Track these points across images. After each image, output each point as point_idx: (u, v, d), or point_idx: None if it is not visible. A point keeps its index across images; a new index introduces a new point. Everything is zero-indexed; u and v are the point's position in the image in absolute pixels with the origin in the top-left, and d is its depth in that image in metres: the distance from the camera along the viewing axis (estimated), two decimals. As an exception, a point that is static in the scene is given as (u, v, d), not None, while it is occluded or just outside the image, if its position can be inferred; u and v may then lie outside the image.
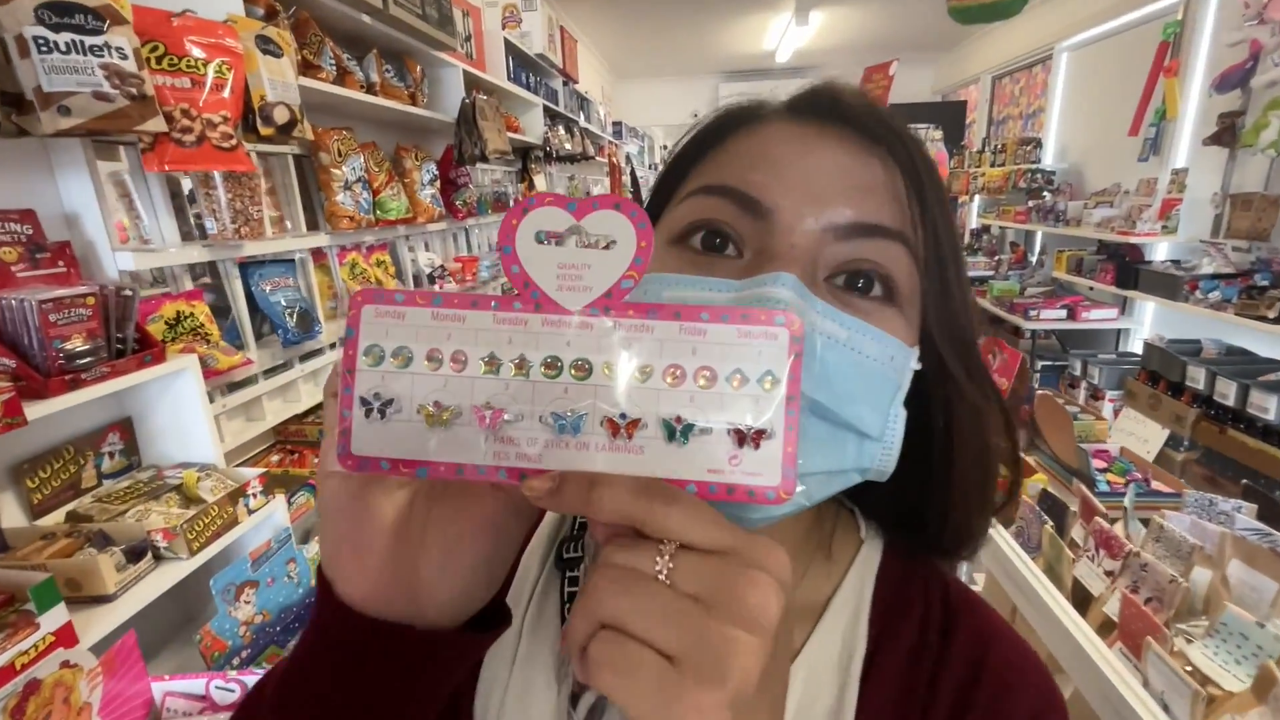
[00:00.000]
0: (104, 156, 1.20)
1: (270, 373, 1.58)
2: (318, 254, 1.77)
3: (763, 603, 0.21)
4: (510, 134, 2.96)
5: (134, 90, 0.97)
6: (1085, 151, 4.54)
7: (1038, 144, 4.86)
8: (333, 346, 1.81)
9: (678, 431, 0.24)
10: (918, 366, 0.34)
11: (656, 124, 8.92)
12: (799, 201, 0.32)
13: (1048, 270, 4.33)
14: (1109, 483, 1.56)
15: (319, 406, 1.79)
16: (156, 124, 1.01)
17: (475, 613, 0.29)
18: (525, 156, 3.59)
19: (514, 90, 3.09)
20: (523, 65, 3.42)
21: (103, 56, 0.93)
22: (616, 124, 6.61)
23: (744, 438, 0.24)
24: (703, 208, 0.34)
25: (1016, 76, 5.70)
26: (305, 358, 1.70)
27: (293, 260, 1.66)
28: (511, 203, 3.29)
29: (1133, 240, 3.32)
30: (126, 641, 0.96)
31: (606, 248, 0.25)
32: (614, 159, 6.45)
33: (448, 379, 0.24)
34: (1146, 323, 3.68)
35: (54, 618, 0.84)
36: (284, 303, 1.57)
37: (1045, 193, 4.53)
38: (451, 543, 0.27)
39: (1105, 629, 1.03)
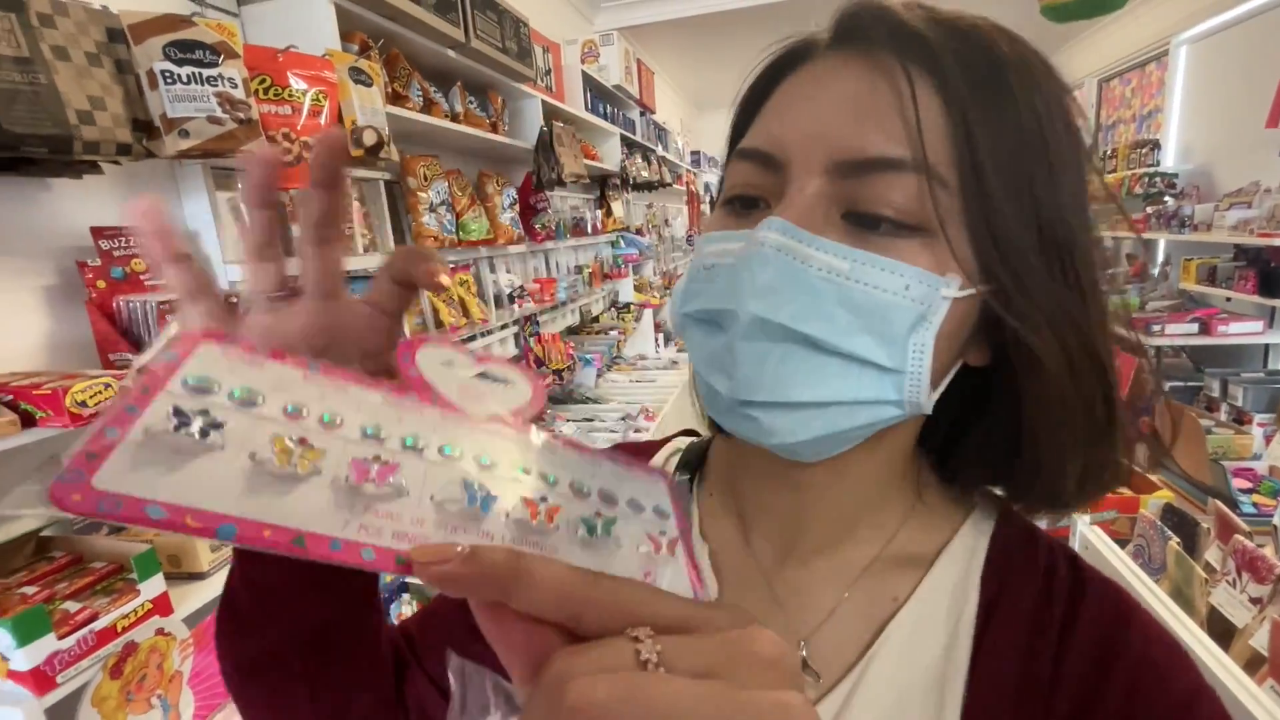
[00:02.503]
0: (222, 185, 1.34)
1: (359, 381, 1.68)
2: (405, 272, 1.89)
3: (780, 652, 0.19)
4: (588, 161, 3.07)
5: (242, 115, 1.08)
6: (1213, 150, 4.09)
7: (1155, 146, 4.45)
8: (416, 359, 1.90)
9: (598, 526, 0.22)
10: (956, 294, 0.30)
11: (736, 153, 8.95)
12: (806, 146, 0.32)
13: (1173, 282, 3.91)
14: (1255, 504, 1.35)
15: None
16: (259, 144, 1.12)
17: None
18: (604, 184, 3.70)
19: (591, 120, 3.21)
20: (600, 96, 3.56)
21: (216, 86, 1.05)
22: (695, 153, 6.70)
23: (660, 548, 0.23)
24: (737, 172, 0.35)
25: (1127, 77, 5.28)
26: (391, 369, 1.80)
27: (381, 277, 1.77)
28: (590, 229, 3.39)
29: (1278, 243, 2.93)
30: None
31: (508, 386, 0.25)
32: (692, 187, 6.53)
33: (312, 429, 0.19)
34: (1302, 336, 3.22)
35: (152, 586, 0.91)
36: (372, 315, 1.67)
37: (1167, 197, 4.11)
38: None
39: (1252, 666, 0.87)
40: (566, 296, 3.02)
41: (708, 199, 7.04)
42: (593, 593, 0.18)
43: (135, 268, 1.12)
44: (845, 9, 0.34)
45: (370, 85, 1.42)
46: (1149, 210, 4.09)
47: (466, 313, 2.10)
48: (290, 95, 1.23)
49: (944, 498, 0.39)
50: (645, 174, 4.15)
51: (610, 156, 3.57)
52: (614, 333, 3.63)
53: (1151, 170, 4.26)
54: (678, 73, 6.69)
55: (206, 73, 1.04)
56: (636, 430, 2.69)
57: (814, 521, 0.37)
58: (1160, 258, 4.45)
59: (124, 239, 1.12)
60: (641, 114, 4.28)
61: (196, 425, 0.18)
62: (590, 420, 2.86)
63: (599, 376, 3.32)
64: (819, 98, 0.32)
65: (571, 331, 3.55)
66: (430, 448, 0.21)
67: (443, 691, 0.41)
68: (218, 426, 0.18)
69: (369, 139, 1.39)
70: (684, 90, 7.57)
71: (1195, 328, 3.34)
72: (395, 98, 1.67)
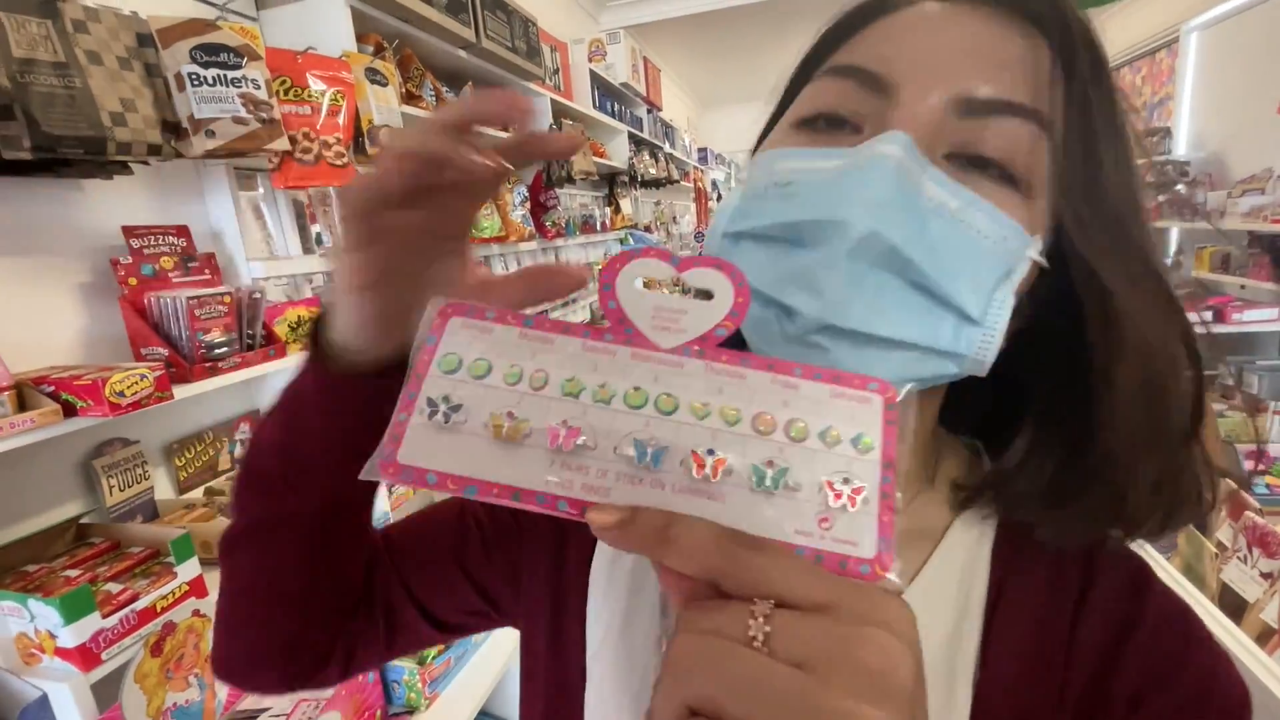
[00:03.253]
0: (244, 185, 1.38)
1: (377, 376, 1.72)
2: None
3: (888, 666, 0.18)
4: (596, 159, 3.09)
5: (264, 115, 1.11)
6: (1226, 137, 4.06)
7: (1166, 134, 4.41)
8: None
9: (768, 476, 0.21)
10: (1038, 258, 0.30)
11: (741, 150, 8.94)
12: (924, 75, 0.29)
13: (1187, 270, 3.87)
14: (1268, 485, 1.36)
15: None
16: (281, 143, 1.15)
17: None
18: (612, 181, 3.73)
19: (599, 118, 3.23)
20: (607, 94, 3.58)
21: (241, 87, 1.08)
22: (702, 150, 6.71)
23: (840, 497, 0.21)
24: (827, 90, 0.32)
25: (1137, 65, 5.23)
26: (407, 364, 1.84)
27: (397, 274, 1.81)
28: (599, 226, 3.42)
29: (1292, 229, 2.91)
30: (248, 602, 1.06)
31: (704, 299, 0.24)
32: (700, 184, 6.54)
33: (524, 395, 0.23)
34: (1318, 323, 3.19)
35: (188, 569, 0.95)
36: (389, 311, 1.71)
37: (1179, 185, 4.08)
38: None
39: (1264, 638, 0.89)
40: (577, 294, 3.05)
41: (715, 195, 7.05)
42: (728, 563, 0.19)
43: (163, 265, 1.16)
44: None
45: (386, 85, 1.45)
46: (1161, 199, 4.06)
47: (480, 309, 2.14)
48: (309, 96, 1.26)
49: (961, 475, 0.37)
50: (653, 171, 4.17)
51: (618, 154, 3.59)
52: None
53: (1164, 158, 4.22)
54: (684, 70, 6.70)
55: (231, 75, 1.07)
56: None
57: None
58: (1173, 246, 4.42)
59: (153, 237, 1.16)
60: (649, 111, 4.30)
61: (442, 410, 0.22)
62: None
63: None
64: (942, 33, 0.30)
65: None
66: (617, 397, 0.23)
67: (411, 596, 0.43)
68: (457, 409, 0.23)
69: (385, 138, 1.42)
70: (691, 88, 7.58)
71: (1210, 315, 3.31)
72: (409, 98, 1.71)
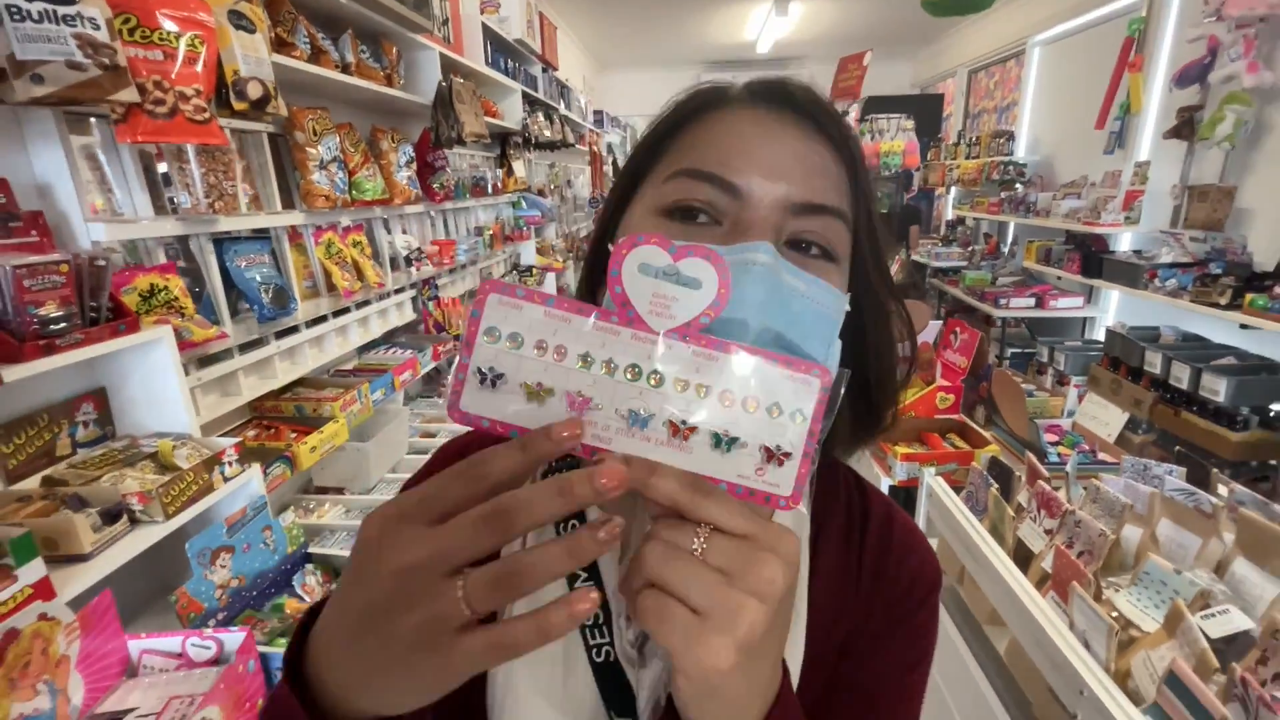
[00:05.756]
0: (75, 130, 1.20)
1: (246, 348, 1.59)
2: (294, 233, 1.79)
3: (771, 578, 0.28)
4: (489, 119, 2.97)
5: (106, 60, 0.98)
6: (1055, 144, 4.65)
7: (1010, 137, 4.96)
8: (308, 324, 1.82)
9: (723, 442, 0.30)
10: (848, 309, 0.40)
11: (638, 114, 8.92)
12: (766, 183, 0.40)
13: (1018, 260, 4.44)
14: (1059, 455, 1.64)
15: (297, 383, 1.81)
16: (129, 94, 1.03)
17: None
18: (504, 142, 3.60)
19: (492, 75, 3.10)
20: (501, 50, 3.43)
21: (75, 26, 0.95)
22: (598, 113, 6.61)
23: (772, 456, 0.30)
24: (688, 189, 0.41)
25: (991, 70, 5.80)
26: (281, 335, 1.71)
27: (268, 237, 1.67)
28: (490, 188, 3.31)
29: (1098, 231, 3.42)
30: (103, 599, 0.98)
31: (696, 286, 0.31)
32: (595, 148, 6.46)
33: (549, 365, 0.30)
34: (1111, 311, 3.80)
35: (31, 571, 0.87)
36: (259, 279, 1.58)
37: (1017, 184, 4.63)
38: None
39: (1042, 583, 1.10)
40: (467, 259, 2.96)
41: (610, 159, 7.00)
42: (687, 501, 0.28)
43: (-22, 225, 1.01)
44: (773, 77, 0.44)
45: (254, 32, 1.31)
46: (1003, 195, 4.59)
47: (361, 275, 2.03)
48: (161, 39, 1.12)
49: None
50: (548, 133, 4.07)
51: (511, 114, 3.47)
52: (517, 296, 3.60)
53: (1006, 159, 4.76)
54: (582, 30, 6.51)
55: (62, 10, 0.93)
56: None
57: None
58: (1010, 239, 5.03)
59: (-38, 192, 1.00)
60: (544, 71, 4.16)
61: (489, 378, 0.29)
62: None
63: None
64: (775, 143, 0.41)
65: (472, 295, 3.48)
66: (619, 371, 0.30)
67: None
68: (500, 377, 0.30)
69: (254, 91, 1.30)
70: (587, 48, 7.38)
71: (1033, 302, 3.85)
72: (280, 44, 1.55)
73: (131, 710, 0.96)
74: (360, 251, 2.06)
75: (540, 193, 4.45)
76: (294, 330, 1.78)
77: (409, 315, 2.50)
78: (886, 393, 0.48)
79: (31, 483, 1.12)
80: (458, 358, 0.30)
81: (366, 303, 2.16)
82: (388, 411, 2.14)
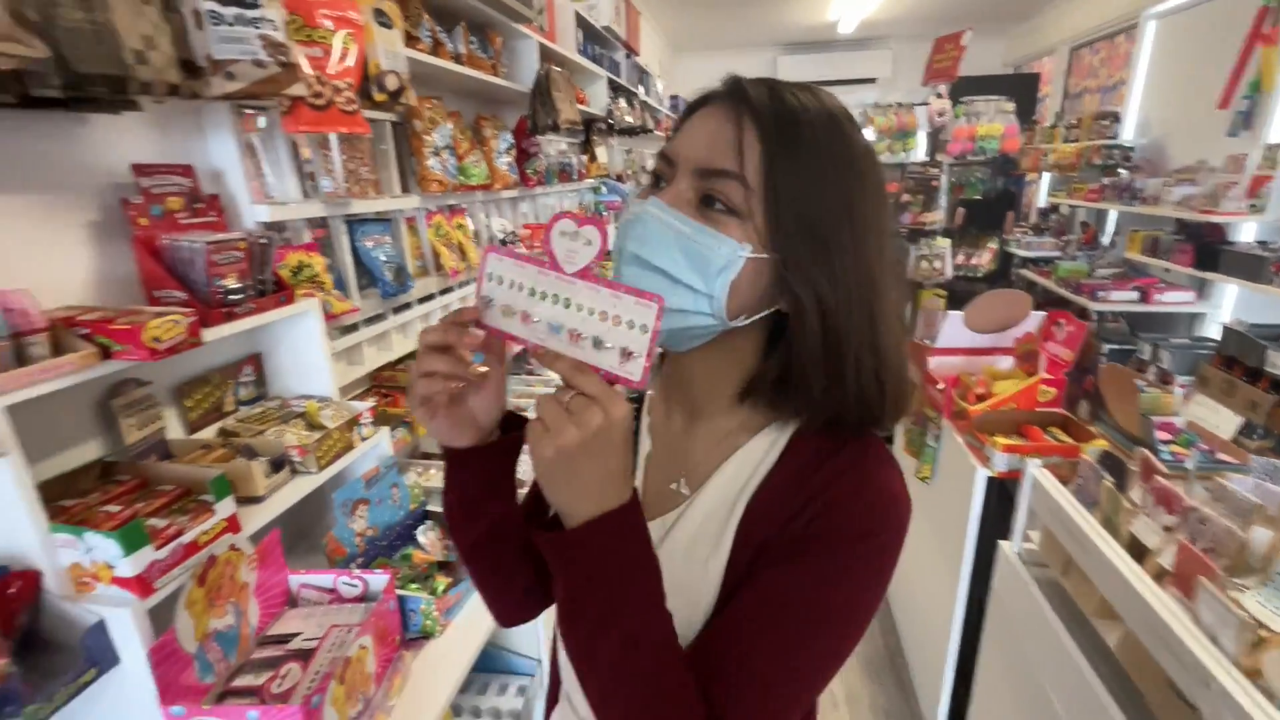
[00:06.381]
0: (246, 124, 1.34)
1: (369, 322, 1.73)
2: (407, 216, 1.91)
3: (591, 418, 0.44)
4: (579, 106, 3.05)
5: (283, 58, 1.10)
6: (1169, 127, 4.32)
7: (1116, 118, 4.64)
8: (420, 301, 1.96)
9: (599, 343, 0.47)
10: (749, 254, 0.51)
11: (712, 98, 8.80)
12: (685, 156, 0.53)
13: (1119, 251, 4.18)
14: (1173, 454, 1.57)
15: (410, 355, 1.95)
16: (299, 89, 1.14)
17: (501, 429, 0.60)
18: (588, 129, 3.68)
19: (582, 63, 3.17)
20: (590, 38, 3.49)
21: (259, 28, 1.06)
22: (674, 98, 6.60)
23: (627, 354, 0.46)
24: (658, 163, 0.56)
25: (1097, 47, 5.42)
26: (397, 310, 1.85)
27: (390, 220, 1.80)
28: (575, 174, 3.40)
29: (1215, 219, 3.18)
30: (272, 537, 1.12)
31: (589, 244, 0.48)
32: (669, 133, 6.46)
33: (515, 293, 0.51)
34: (1227, 306, 3.53)
35: (225, 507, 1.00)
36: (383, 258, 1.71)
37: (1121, 170, 4.34)
38: (481, 408, 0.57)
39: (1158, 578, 1.08)
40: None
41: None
42: (571, 375, 0.46)
43: (170, 206, 1.15)
44: (726, 79, 0.55)
45: (391, 27, 1.42)
46: (1105, 181, 4.31)
47: (464, 256, 2.15)
48: (320, 36, 1.24)
49: (771, 403, 0.57)
50: (629, 119, 4.12)
51: (597, 100, 3.54)
52: (596, 280, 3.69)
53: (1111, 143, 4.46)
54: (660, 12, 6.50)
55: (250, 14, 1.05)
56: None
57: (694, 398, 0.62)
58: (1111, 228, 4.73)
59: (161, 176, 1.14)
60: (627, 56, 4.21)
61: (487, 302, 0.52)
62: (575, 365, 2.96)
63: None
64: (699, 129, 0.53)
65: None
66: (548, 298, 0.49)
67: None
68: (490, 302, 0.52)
69: (391, 84, 1.41)
70: (664, 32, 7.36)
71: (1136, 296, 3.63)
72: (407, 39, 1.66)
73: (297, 634, 1.09)
74: (464, 233, 2.18)
75: (619, 178, 4.52)
76: (407, 306, 1.92)
77: (501, 295, 2.62)
78: (864, 358, 0.52)
79: (207, 433, 1.27)
80: (476, 291, 0.52)
81: (465, 282, 2.29)
82: (486, 385, 2.26)
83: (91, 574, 0.87)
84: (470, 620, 1.27)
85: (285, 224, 1.46)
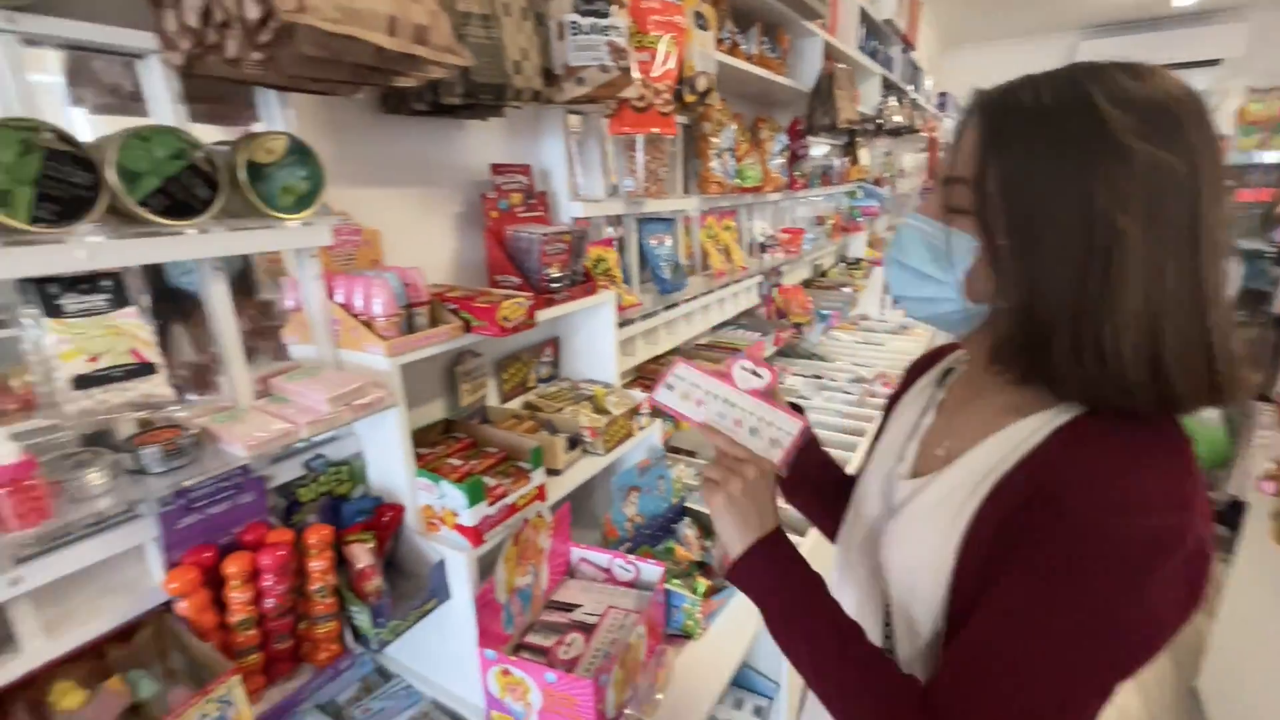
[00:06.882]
0: (570, 127, 1.47)
1: (644, 317, 1.81)
2: (685, 216, 1.96)
3: (746, 472, 0.67)
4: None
5: (623, 63, 1.16)
6: None
7: None
8: (686, 301, 1.99)
9: (755, 432, 0.71)
10: (974, 245, 0.57)
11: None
12: (940, 167, 0.62)
13: None
14: None
15: (672, 350, 2.01)
16: (632, 91, 1.20)
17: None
18: (853, 130, 3.47)
19: (861, 60, 2.99)
20: (871, 33, 3.29)
21: (608, 35, 1.13)
22: (942, 95, 5.99)
23: (774, 444, 0.71)
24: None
25: None
26: (667, 308, 1.90)
27: (671, 219, 1.86)
28: (836, 178, 3.23)
29: None
30: (565, 509, 1.20)
31: (759, 377, 0.73)
32: (934, 134, 5.88)
33: (693, 389, 0.75)
34: None
35: (538, 476, 1.09)
36: (663, 256, 1.77)
37: None
38: None
39: None
40: (810, 248, 2.94)
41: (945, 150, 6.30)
42: (730, 446, 0.70)
43: (513, 201, 1.29)
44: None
45: (707, 29, 1.44)
46: None
47: (730, 258, 2.14)
48: (649, 42, 1.29)
49: (1037, 390, 0.57)
50: (898, 118, 3.81)
51: (868, 99, 3.31)
52: (846, 289, 3.48)
53: None
54: (935, 2, 5.92)
55: (602, 23, 1.12)
56: (873, 395, 2.60)
57: (974, 377, 0.68)
58: None
59: (509, 174, 1.29)
60: (903, 50, 3.89)
61: (669, 386, 0.76)
62: (818, 378, 2.81)
63: (821, 332, 3.23)
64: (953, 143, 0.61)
65: (808, 285, 3.46)
66: (724, 400, 0.73)
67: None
68: (672, 387, 0.76)
69: (702, 85, 1.43)
70: (940, 23, 6.71)
71: None
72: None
73: (578, 606, 1.16)
74: (731, 235, 2.17)
75: (876, 182, 4.21)
76: (673, 305, 1.97)
77: (753, 300, 2.59)
78: (1114, 341, 0.50)
79: (515, 404, 1.42)
80: (663, 376, 0.76)
81: (728, 284, 2.28)
82: (737, 389, 2.24)
83: (440, 517, 1.00)
84: (731, 629, 1.23)
85: (589, 219, 1.57)
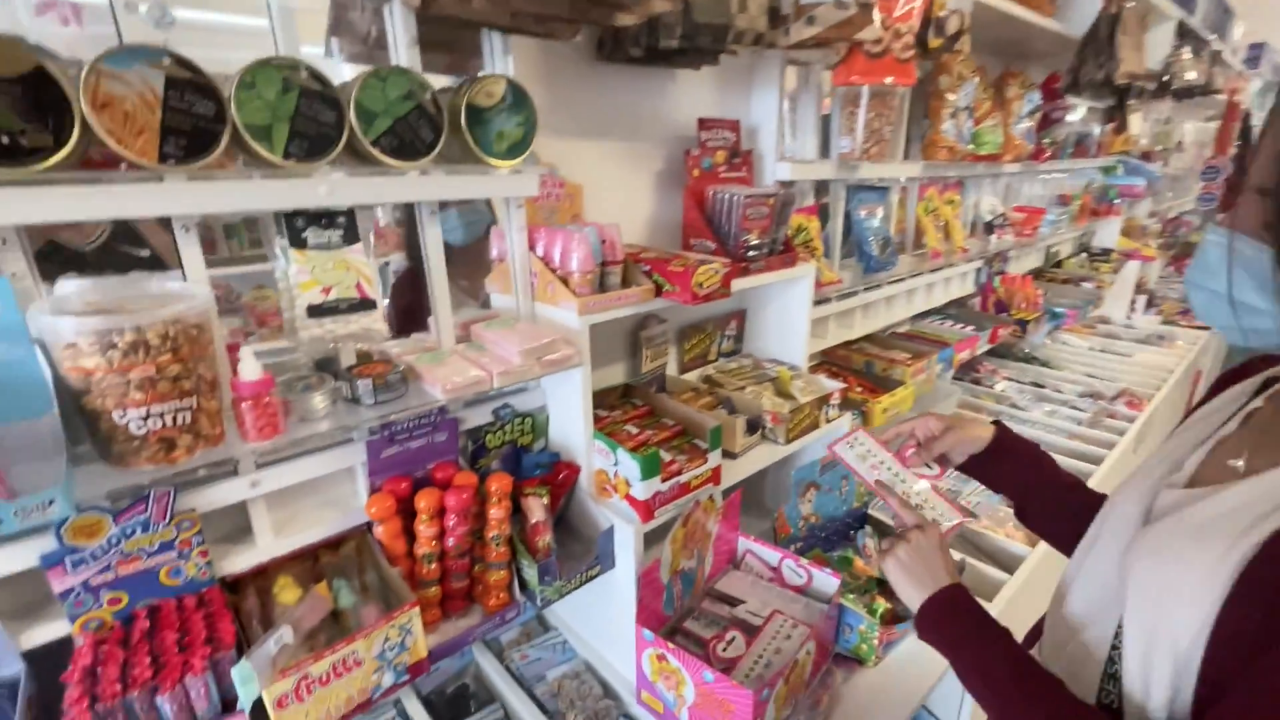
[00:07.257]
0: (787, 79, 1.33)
1: (842, 296, 1.63)
2: (902, 186, 1.72)
3: (915, 538, 0.79)
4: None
5: (864, -2, 0.99)
6: None
7: None
8: (893, 282, 1.76)
9: (921, 506, 0.91)
10: (1264, 246, 0.53)
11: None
12: (1250, 169, 0.55)
13: None
14: None
15: (867, 337, 1.80)
16: (871, 31, 1.03)
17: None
18: (1125, 90, 2.83)
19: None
20: (1168, -36, 2.62)
21: (851, -36, 0.97)
22: (1255, 46, 4.69)
23: (941, 518, 0.92)
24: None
25: None
26: (869, 288, 1.70)
27: (886, 189, 1.64)
28: (1093, 149, 2.67)
29: None
30: (736, 496, 1.11)
31: (930, 468, 0.95)
32: (1235, 98, 4.65)
33: (869, 455, 0.98)
34: None
35: (715, 457, 1.02)
36: (872, 230, 1.57)
37: None
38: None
39: None
40: (1049, 230, 2.48)
41: (1245, 119, 4.94)
42: (902, 510, 0.86)
43: (717, 160, 1.20)
44: None
45: (968, -42, 1.20)
46: None
47: (948, 237, 1.85)
48: (895, -26, 1.10)
49: None
50: (1191, 74, 3.03)
51: (1154, 51, 2.66)
52: (1087, 284, 2.90)
53: None
54: (1265, -77, 4.59)
55: (845, -50, 0.97)
56: (1112, 417, 2.14)
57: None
58: None
59: (716, 130, 1.20)
60: (1212, -12, 3.07)
61: (850, 445, 1.00)
62: (1039, 386, 2.38)
63: (1048, 333, 2.73)
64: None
65: (1039, 274, 2.95)
66: (891, 472, 0.95)
67: None
68: (851, 447, 1.00)
69: (953, 26, 1.20)
70: (1262, -49, 5.22)
71: None
72: (966, -25, 1.42)
73: (742, 602, 1.08)
74: (953, 210, 1.88)
75: (1145, 156, 3.44)
76: (875, 286, 1.75)
77: (968, 288, 2.24)
78: None
79: (691, 376, 1.36)
80: (844, 436, 1.00)
81: (939, 268, 1.99)
82: (939, 388, 1.97)
83: (613, 484, 0.97)
84: (911, 663, 1.07)
85: (794, 184, 1.43)
